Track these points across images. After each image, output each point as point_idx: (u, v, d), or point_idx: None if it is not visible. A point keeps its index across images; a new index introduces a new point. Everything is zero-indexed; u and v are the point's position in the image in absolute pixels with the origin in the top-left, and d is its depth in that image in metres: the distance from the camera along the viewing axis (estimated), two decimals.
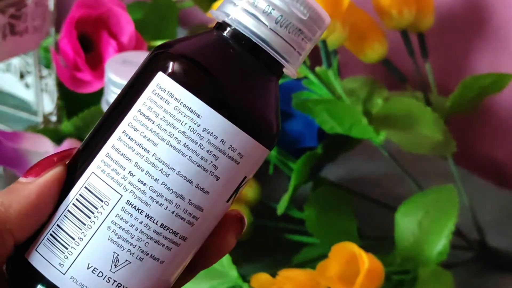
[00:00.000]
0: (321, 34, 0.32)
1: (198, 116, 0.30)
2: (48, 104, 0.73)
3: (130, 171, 0.30)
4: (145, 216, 0.30)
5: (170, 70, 0.30)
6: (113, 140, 0.30)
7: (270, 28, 0.31)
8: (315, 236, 0.60)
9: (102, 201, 0.30)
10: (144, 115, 0.30)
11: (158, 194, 0.30)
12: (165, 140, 0.30)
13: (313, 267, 0.52)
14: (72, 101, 0.68)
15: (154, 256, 0.31)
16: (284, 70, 0.32)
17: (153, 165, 0.30)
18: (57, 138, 0.63)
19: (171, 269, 0.32)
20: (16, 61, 0.77)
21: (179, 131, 0.30)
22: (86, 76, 0.60)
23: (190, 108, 0.30)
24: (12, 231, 0.30)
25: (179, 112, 0.30)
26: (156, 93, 0.30)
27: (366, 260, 0.50)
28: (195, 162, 0.30)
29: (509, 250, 0.65)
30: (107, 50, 0.61)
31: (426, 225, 0.56)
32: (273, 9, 0.31)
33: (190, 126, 0.30)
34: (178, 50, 0.31)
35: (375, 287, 0.51)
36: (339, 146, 0.65)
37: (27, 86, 0.78)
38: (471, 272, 0.63)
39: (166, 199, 0.30)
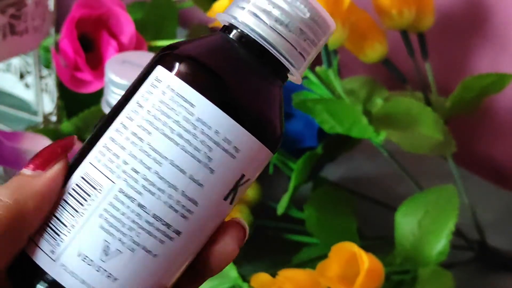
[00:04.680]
0: (326, 40, 0.32)
1: (192, 105, 0.30)
2: (48, 104, 0.73)
3: (124, 160, 0.30)
4: (137, 205, 0.30)
5: (167, 63, 0.31)
6: (111, 131, 0.31)
7: (277, 31, 0.31)
8: (315, 236, 0.60)
9: (95, 189, 0.30)
10: (141, 106, 0.31)
11: (151, 183, 0.30)
12: (159, 129, 0.30)
13: (313, 267, 0.52)
14: (72, 101, 0.68)
15: (146, 248, 0.30)
16: (288, 75, 0.32)
17: (146, 153, 0.30)
18: (57, 138, 0.63)
19: (166, 266, 0.31)
20: (16, 61, 0.77)
21: (173, 121, 0.30)
22: (86, 76, 0.60)
23: (184, 98, 0.30)
24: (28, 227, 0.30)
25: (174, 102, 0.30)
26: (153, 85, 0.31)
27: (366, 260, 0.50)
28: (188, 152, 0.30)
29: (509, 250, 0.65)
30: (107, 50, 0.61)
31: (426, 225, 0.56)
32: (281, 13, 0.31)
33: (184, 116, 0.30)
34: (180, 49, 0.32)
35: (375, 287, 0.51)
36: (339, 146, 0.65)
37: (27, 86, 0.78)
38: (471, 272, 0.63)
39: (158, 189, 0.30)
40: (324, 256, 0.52)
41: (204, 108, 0.30)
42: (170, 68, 0.31)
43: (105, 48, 0.61)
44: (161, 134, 0.30)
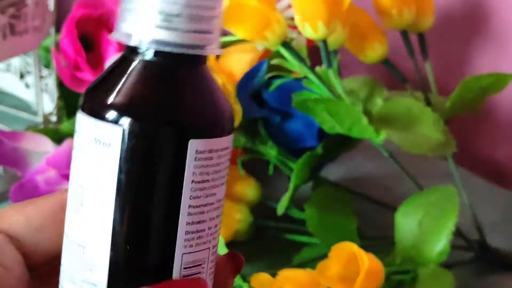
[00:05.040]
0: (222, 5, 0.31)
1: (227, 148, 0.32)
2: (48, 104, 0.73)
3: (209, 226, 0.32)
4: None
5: (202, 133, 0.31)
6: (184, 217, 0.31)
7: (177, 30, 0.29)
8: (315, 236, 0.60)
9: (201, 265, 0.32)
10: (198, 182, 0.31)
11: (220, 220, 0.33)
12: (219, 186, 0.32)
13: (313, 267, 0.52)
14: (72, 101, 0.68)
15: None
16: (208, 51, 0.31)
17: (217, 208, 0.32)
18: (57, 138, 0.63)
19: None
20: (16, 61, 0.77)
21: (224, 168, 0.32)
22: (87, 76, 0.60)
23: (226, 147, 0.32)
24: None
25: (221, 157, 0.32)
26: (198, 159, 0.31)
27: (366, 260, 0.50)
28: (226, 182, 0.33)
29: (509, 250, 0.65)
30: (108, 50, 0.61)
31: (426, 225, 0.56)
32: (173, 13, 0.29)
33: (228, 158, 0.32)
34: (185, 112, 0.31)
35: (375, 287, 0.51)
36: (339, 146, 0.65)
37: (27, 86, 0.78)
38: (471, 272, 0.63)
39: (220, 221, 0.33)
40: (324, 256, 0.52)
41: (228, 141, 0.32)
42: (202, 135, 0.30)
43: (106, 48, 0.61)
44: (220, 186, 0.32)
